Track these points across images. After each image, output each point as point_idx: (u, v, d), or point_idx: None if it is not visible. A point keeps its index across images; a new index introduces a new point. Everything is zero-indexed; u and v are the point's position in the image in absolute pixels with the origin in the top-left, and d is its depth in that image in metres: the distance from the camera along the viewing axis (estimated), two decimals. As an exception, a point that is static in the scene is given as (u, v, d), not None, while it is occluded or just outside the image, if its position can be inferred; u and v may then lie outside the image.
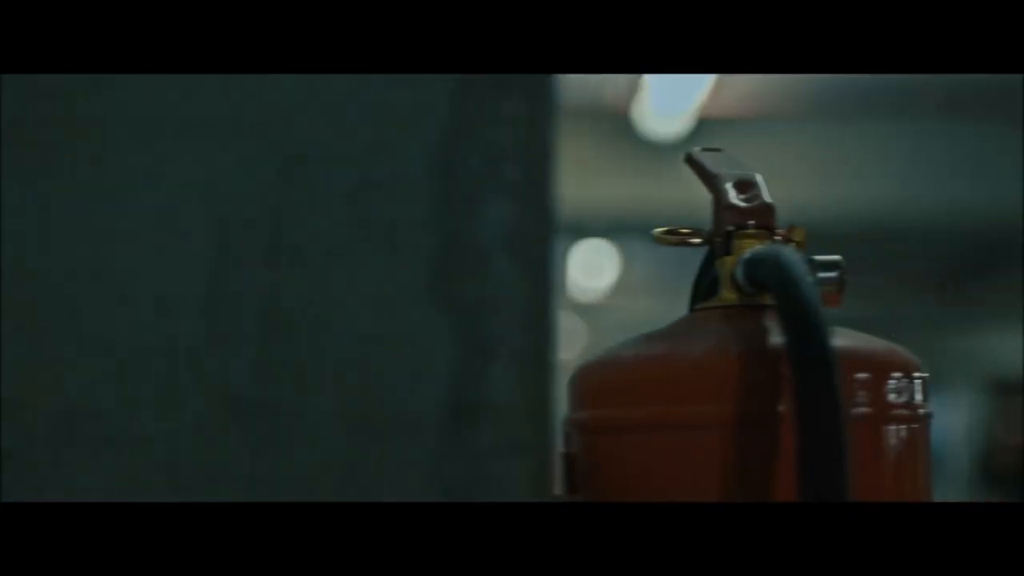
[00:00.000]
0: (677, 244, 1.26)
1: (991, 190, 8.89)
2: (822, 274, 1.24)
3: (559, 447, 1.24)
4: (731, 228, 1.23)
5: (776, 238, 1.24)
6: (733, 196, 1.25)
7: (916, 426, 1.21)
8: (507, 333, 0.86)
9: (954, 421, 25.36)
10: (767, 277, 1.13)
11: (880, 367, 1.19)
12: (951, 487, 24.68)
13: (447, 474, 0.86)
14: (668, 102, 7.95)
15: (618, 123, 8.52)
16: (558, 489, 1.24)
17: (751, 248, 1.20)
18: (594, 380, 1.22)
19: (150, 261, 0.94)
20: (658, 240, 1.27)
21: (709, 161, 1.32)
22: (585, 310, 13.90)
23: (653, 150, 8.58)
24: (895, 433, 1.20)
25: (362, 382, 0.87)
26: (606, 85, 7.95)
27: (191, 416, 0.90)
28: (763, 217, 1.23)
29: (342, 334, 0.88)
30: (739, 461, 1.15)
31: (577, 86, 7.88)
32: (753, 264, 1.17)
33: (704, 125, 8.53)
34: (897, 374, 1.20)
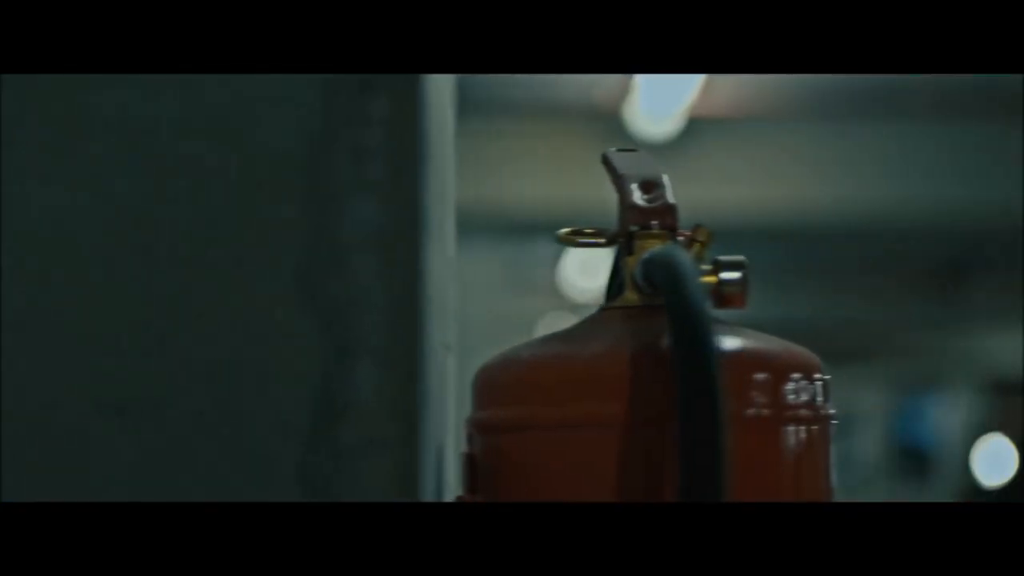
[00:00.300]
0: (582, 245, 1.26)
1: (983, 189, 8.88)
2: (725, 274, 1.24)
3: (463, 447, 1.24)
4: (634, 228, 1.23)
5: (679, 239, 1.24)
6: (637, 196, 1.24)
7: (816, 427, 1.21)
8: (370, 333, 0.86)
9: (952, 421, 25.33)
10: (657, 277, 1.13)
11: (779, 368, 1.19)
12: (948, 486, 24.64)
13: (310, 472, 0.86)
14: (658, 103, 7.93)
15: (610, 124, 8.51)
16: (459, 489, 1.24)
17: (651, 249, 1.20)
18: (494, 379, 1.22)
19: (34, 259, 0.94)
20: (563, 241, 1.27)
21: (620, 161, 1.32)
22: (583, 311, 13.92)
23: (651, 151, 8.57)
24: (794, 434, 1.19)
25: (229, 380, 0.87)
26: (597, 86, 7.93)
27: (63, 413, 0.90)
28: (665, 217, 1.23)
29: (210, 333, 0.88)
30: (633, 461, 1.15)
31: (569, 87, 7.87)
32: (648, 264, 1.17)
33: (695, 125, 8.53)
34: (797, 375, 1.20)
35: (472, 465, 1.22)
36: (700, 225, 1.27)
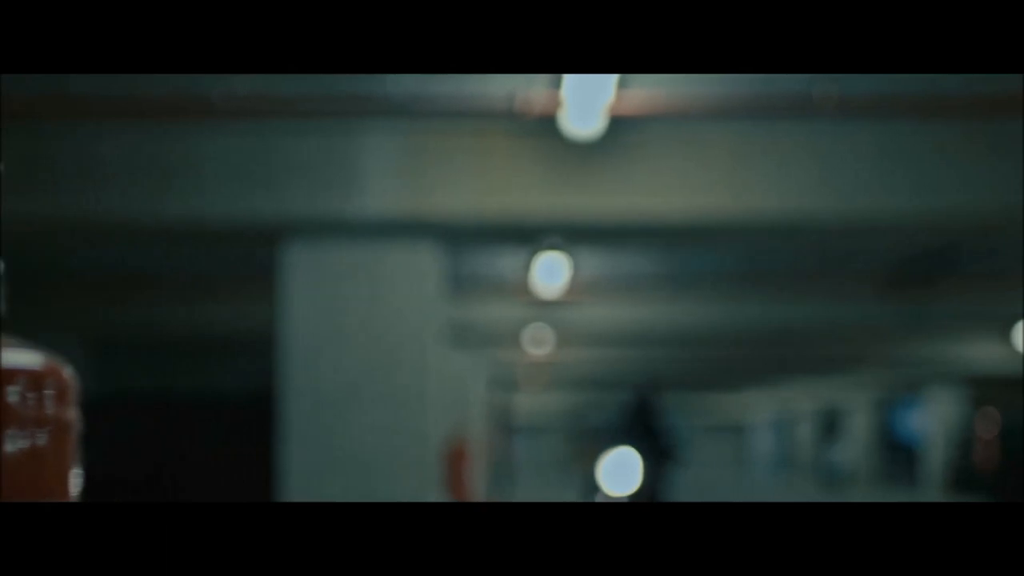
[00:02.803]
0: None
1: (920, 192, 8.81)
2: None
3: None
4: None
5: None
6: None
7: (44, 432, 1.21)
8: None
9: (932, 421, 25.41)
10: None
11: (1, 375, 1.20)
12: (929, 485, 24.73)
13: None
14: (584, 103, 7.88)
15: (545, 127, 8.51)
16: None
17: None
18: None
19: None
20: None
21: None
22: (547, 307, 14.27)
23: (579, 151, 8.59)
24: (17, 439, 1.20)
25: None
26: (528, 88, 7.92)
27: None
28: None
29: None
30: None
31: (501, 89, 7.86)
32: None
33: (631, 124, 8.51)
34: (22, 382, 1.20)
35: None
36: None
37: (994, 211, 8.75)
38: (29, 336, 15.23)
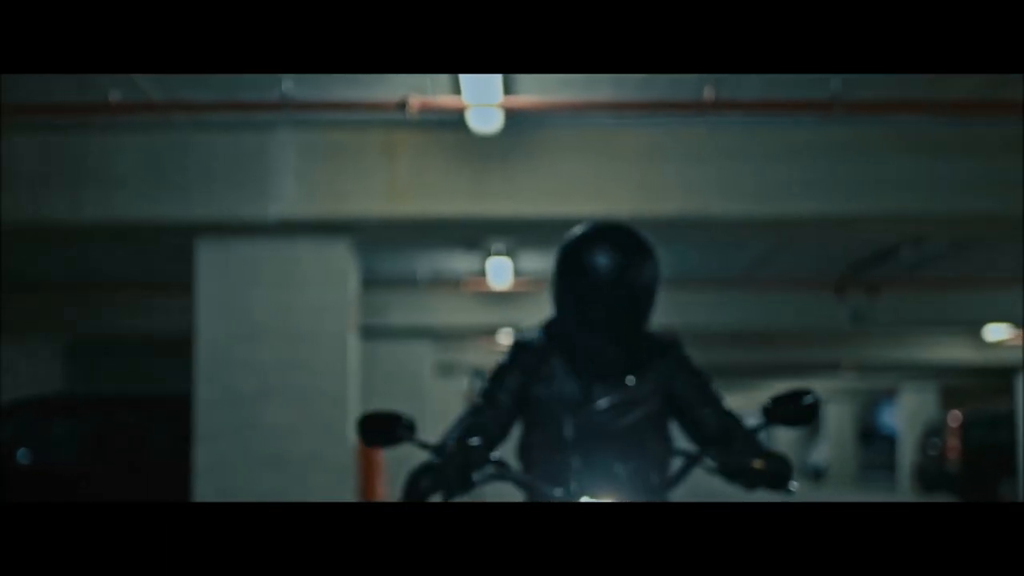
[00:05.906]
0: None
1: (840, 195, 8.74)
2: None
3: None
4: None
5: None
6: None
7: None
8: None
9: (905, 422, 25.41)
10: None
11: None
12: (902, 485, 24.67)
13: None
14: (484, 102, 7.89)
15: (451, 126, 8.54)
16: None
17: None
18: None
19: None
20: None
21: None
22: (501, 297, 14.56)
23: (487, 150, 8.62)
24: None
25: None
26: (434, 88, 7.95)
27: None
28: None
29: None
30: None
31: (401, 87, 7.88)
32: None
33: (537, 119, 8.53)
34: None
35: None
36: None
37: (908, 212, 8.71)
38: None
